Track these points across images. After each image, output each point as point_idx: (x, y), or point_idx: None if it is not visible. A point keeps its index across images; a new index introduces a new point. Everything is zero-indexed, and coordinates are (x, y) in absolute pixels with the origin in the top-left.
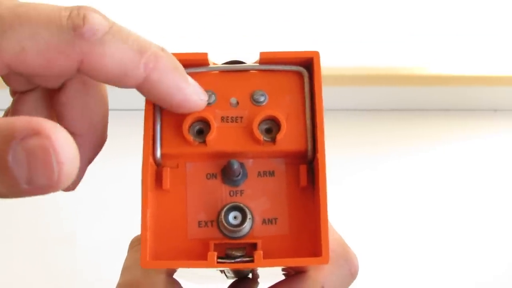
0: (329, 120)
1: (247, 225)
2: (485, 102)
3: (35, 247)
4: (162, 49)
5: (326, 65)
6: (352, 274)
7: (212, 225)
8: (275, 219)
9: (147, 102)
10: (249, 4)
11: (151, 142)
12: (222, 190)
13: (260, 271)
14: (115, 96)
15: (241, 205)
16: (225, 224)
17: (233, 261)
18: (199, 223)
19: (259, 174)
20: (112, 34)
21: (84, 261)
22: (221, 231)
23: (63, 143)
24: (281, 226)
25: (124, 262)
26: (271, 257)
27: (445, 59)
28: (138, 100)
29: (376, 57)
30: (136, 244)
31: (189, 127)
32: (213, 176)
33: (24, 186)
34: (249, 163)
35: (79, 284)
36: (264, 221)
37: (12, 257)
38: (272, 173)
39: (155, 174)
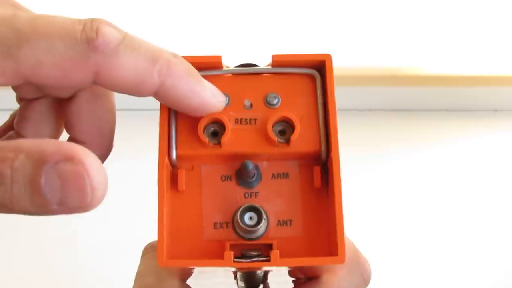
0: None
1: (262, 226)
2: (485, 102)
3: (36, 247)
4: (175, 55)
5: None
6: (364, 280)
7: (227, 226)
8: (290, 220)
9: (162, 106)
10: (258, 9)
11: (166, 143)
12: (237, 192)
13: (271, 279)
14: (115, 96)
15: (257, 206)
16: (241, 225)
17: (249, 260)
18: (215, 224)
19: (273, 176)
20: (125, 45)
21: (85, 261)
22: (236, 233)
23: (95, 169)
24: (296, 228)
25: (138, 269)
26: (287, 257)
27: (445, 59)
28: (139, 100)
29: (376, 57)
30: (150, 250)
31: (204, 128)
32: (228, 178)
33: (54, 207)
34: (263, 165)
35: (80, 284)
36: (279, 223)
37: (13, 257)
38: (286, 175)
39: (170, 176)
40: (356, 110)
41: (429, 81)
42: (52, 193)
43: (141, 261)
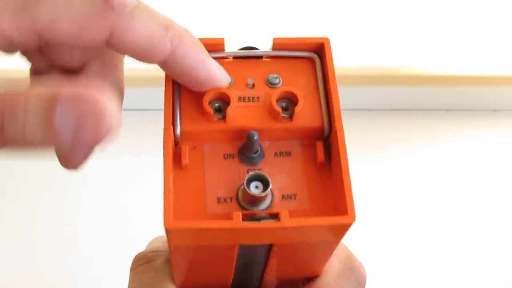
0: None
1: (268, 196)
2: (485, 102)
3: (36, 247)
4: (185, 29)
5: None
6: (359, 284)
7: (231, 201)
8: (294, 195)
9: (167, 80)
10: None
11: (170, 119)
12: (240, 169)
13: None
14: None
15: (263, 173)
16: (248, 192)
17: (258, 221)
18: (218, 199)
19: (275, 154)
20: (140, 10)
21: (84, 261)
22: (241, 206)
23: (110, 109)
24: (301, 201)
25: (129, 284)
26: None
27: (445, 59)
28: (140, 100)
29: (376, 57)
30: (141, 262)
31: (209, 103)
32: (231, 156)
33: (66, 145)
34: (265, 144)
35: (80, 284)
36: (283, 197)
37: (12, 257)
38: (288, 153)
39: (173, 154)
40: (356, 110)
41: (429, 81)
42: (66, 131)
43: (131, 276)
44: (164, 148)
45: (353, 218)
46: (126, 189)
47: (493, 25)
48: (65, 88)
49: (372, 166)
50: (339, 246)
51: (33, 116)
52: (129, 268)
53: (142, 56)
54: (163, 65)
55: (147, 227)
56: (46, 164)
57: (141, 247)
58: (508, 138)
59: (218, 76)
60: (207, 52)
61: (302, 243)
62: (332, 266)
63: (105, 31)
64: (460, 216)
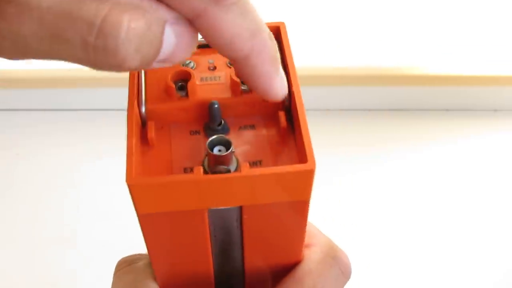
0: (329, 120)
1: (232, 161)
2: (485, 102)
3: (35, 247)
4: (271, 37)
5: (327, 65)
6: (343, 273)
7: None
8: (260, 161)
9: None
10: None
11: (135, 98)
12: (205, 143)
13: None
14: (115, 96)
15: (224, 137)
16: (211, 154)
17: (220, 174)
18: (185, 169)
19: (240, 128)
20: (238, 6)
21: (84, 261)
22: (206, 173)
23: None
24: (266, 166)
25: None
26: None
27: (445, 59)
28: None
29: (376, 57)
30: (122, 266)
31: (172, 81)
32: (196, 132)
33: (156, 63)
34: (230, 120)
35: (79, 284)
36: (249, 164)
37: (12, 257)
38: (252, 126)
39: (140, 133)
40: (355, 110)
41: (429, 81)
42: (165, 50)
43: (113, 280)
44: (128, 120)
45: (313, 165)
46: (126, 189)
47: (493, 25)
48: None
49: (372, 166)
50: (321, 237)
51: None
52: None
53: (217, 47)
54: (233, 62)
55: None
56: (46, 164)
57: (141, 247)
58: (508, 138)
59: (276, 92)
60: (279, 67)
61: (270, 209)
62: (314, 254)
63: (193, 11)
64: (460, 216)
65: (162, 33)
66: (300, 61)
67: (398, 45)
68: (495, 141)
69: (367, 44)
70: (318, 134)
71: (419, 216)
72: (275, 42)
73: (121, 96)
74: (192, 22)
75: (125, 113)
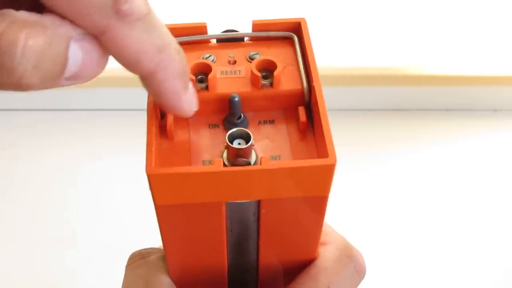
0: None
1: (251, 154)
2: (485, 102)
3: (35, 247)
4: (179, 52)
5: (327, 65)
6: (358, 272)
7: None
8: (279, 155)
9: None
10: None
11: None
12: (224, 136)
13: (262, 272)
14: (115, 96)
15: (244, 130)
16: (231, 146)
17: (239, 167)
18: (203, 162)
19: (259, 122)
20: (143, 23)
21: (84, 261)
22: (226, 166)
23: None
24: (285, 160)
25: (124, 279)
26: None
27: (445, 59)
28: (140, 100)
29: (375, 57)
30: (136, 259)
31: (192, 73)
32: (215, 126)
33: (64, 81)
34: (249, 115)
35: (79, 284)
36: (268, 158)
37: (12, 257)
38: (272, 121)
39: (159, 125)
40: (356, 110)
41: (429, 81)
42: (72, 67)
43: (125, 272)
44: (148, 111)
45: (334, 160)
46: (126, 189)
47: (493, 25)
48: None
49: (372, 166)
50: (336, 236)
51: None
52: (125, 266)
53: (123, 64)
54: (141, 78)
55: (147, 227)
56: (46, 164)
57: (140, 247)
58: (508, 138)
59: (185, 109)
60: (187, 81)
61: (288, 204)
62: (329, 252)
63: (97, 28)
64: (460, 216)
65: (67, 49)
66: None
67: (398, 45)
68: (495, 141)
69: (367, 44)
70: None
71: (419, 216)
72: (183, 56)
73: (121, 96)
74: (98, 39)
75: (125, 113)
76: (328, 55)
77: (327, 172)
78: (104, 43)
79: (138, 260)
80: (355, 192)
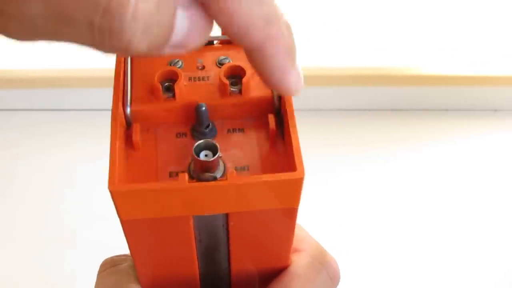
0: (328, 120)
1: (219, 167)
2: (485, 102)
3: (35, 247)
4: (288, 27)
5: (326, 65)
6: (331, 279)
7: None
8: (247, 166)
9: (118, 60)
10: None
11: (120, 98)
12: (192, 146)
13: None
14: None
15: (211, 141)
16: (197, 159)
17: (205, 182)
18: (170, 173)
19: (228, 131)
20: None
21: (84, 261)
22: (192, 178)
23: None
24: (254, 172)
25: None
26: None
27: (445, 59)
28: None
29: (374, 57)
30: (106, 267)
31: (159, 81)
32: (183, 135)
33: (169, 48)
34: (218, 123)
35: (79, 284)
36: (236, 169)
37: (12, 257)
38: (241, 130)
39: (125, 136)
40: (355, 110)
41: (428, 81)
42: (177, 34)
43: (96, 280)
44: (112, 121)
45: (302, 173)
46: None
47: (493, 25)
48: None
49: (371, 166)
50: (311, 241)
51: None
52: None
53: (229, 35)
54: (247, 52)
55: None
56: (46, 164)
57: None
58: (508, 138)
59: (290, 86)
60: (295, 57)
61: (257, 216)
62: (302, 259)
63: None
64: (460, 216)
65: (174, 15)
66: (299, 61)
67: (398, 45)
68: (495, 141)
69: (367, 44)
70: (317, 134)
71: (418, 217)
72: (292, 32)
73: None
74: (205, 7)
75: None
76: (327, 55)
77: (296, 186)
78: (212, 12)
79: (109, 267)
80: (355, 192)
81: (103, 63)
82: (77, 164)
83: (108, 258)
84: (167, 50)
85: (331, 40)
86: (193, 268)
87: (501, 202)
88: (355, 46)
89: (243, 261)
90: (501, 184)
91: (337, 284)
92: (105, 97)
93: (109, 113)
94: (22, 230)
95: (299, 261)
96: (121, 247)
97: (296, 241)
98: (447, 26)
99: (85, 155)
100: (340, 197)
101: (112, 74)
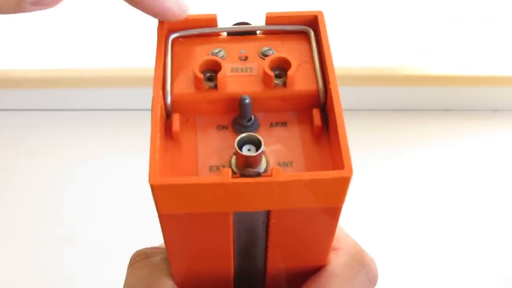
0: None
1: (261, 161)
2: (485, 102)
3: (35, 247)
4: None
5: None
6: (370, 280)
7: (224, 168)
8: (291, 162)
9: (159, 50)
10: None
11: (161, 87)
12: (234, 139)
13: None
14: (115, 96)
15: (254, 135)
16: (240, 153)
17: (248, 176)
18: (210, 167)
19: (271, 124)
20: None
21: (84, 261)
22: (234, 173)
23: None
24: (298, 168)
25: (126, 281)
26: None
27: (445, 59)
28: (139, 100)
29: (376, 57)
30: (138, 259)
31: (201, 71)
32: (224, 127)
33: (28, 5)
34: (260, 116)
35: (79, 284)
36: (279, 164)
37: (12, 257)
38: (284, 123)
39: (164, 126)
40: (355, 110)
41: (429, 81)
42: None
43: (128, 272)
44: (152, 110)
45: (350, 173)
46: (126, 189)
47: (493, 25)
48: None
49: (371, 166)
50: (348, 241)
51: None
52: (127, 265)
53: None
54: None
55: (147, 227)
56: (46, 164)
57: (140, 247)
58: (508, 138)
59: (170, 8)
60: None
61: (300, 214)
62: (340, 258)
63: None
64: (460, 216)
65: None
66: None
67: (398, 45)
68: (495, 141)
69: (367, 44)
70: None
71: (419, 217)
72: None
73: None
74: None
75: (125, 113)
76: None
77: (342, 185)
78: None
79: (141, 260)
80: (354, 192)
81: (103, 63)
82: (78, 164)
83: (139, 250)
84: (27, 8)
85: (331, 40)
86: (229, 264)
87: (501, 202)
88: (355, 46)
89: (280, 259)
90: (501, 184)
91: (375, 285)
92: (105, 97)
93: (109, 113)
94: (22, 230)
95: (337, 261)
96: (121, 247)
97: (334, 240)
98: (447, 26)
99: (86, 155)
100: None
101: (112, 74)
